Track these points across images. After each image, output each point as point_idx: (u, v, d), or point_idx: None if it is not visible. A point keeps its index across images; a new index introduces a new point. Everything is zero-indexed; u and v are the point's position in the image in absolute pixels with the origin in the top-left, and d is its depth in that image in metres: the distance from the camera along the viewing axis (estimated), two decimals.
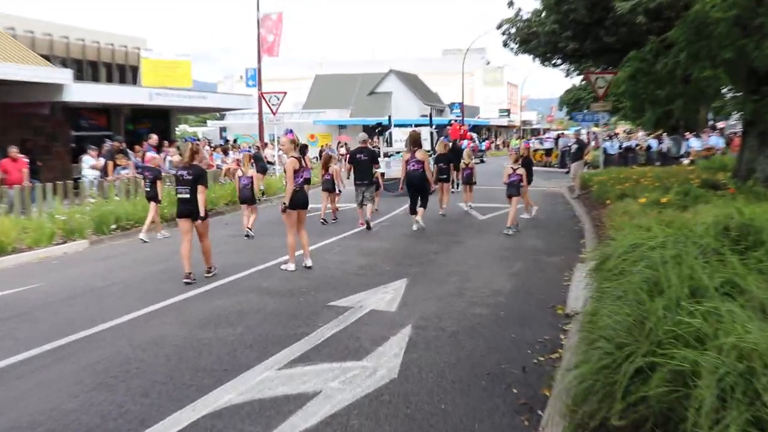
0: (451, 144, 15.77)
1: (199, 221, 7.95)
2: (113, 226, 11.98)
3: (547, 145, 32.61)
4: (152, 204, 11.75)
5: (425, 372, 4.86)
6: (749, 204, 7.11)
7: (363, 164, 12.72)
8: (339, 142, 39.89)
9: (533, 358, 5.12)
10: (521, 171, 11.79)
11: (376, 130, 20.38)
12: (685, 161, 23.39)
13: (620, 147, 26.27)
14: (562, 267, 8.39)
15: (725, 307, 3.56)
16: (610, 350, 3.58)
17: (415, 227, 11.72)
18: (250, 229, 11.51)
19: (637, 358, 3.36)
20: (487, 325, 5.96)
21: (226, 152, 21.29)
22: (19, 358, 5.40)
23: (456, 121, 35.35)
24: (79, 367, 5.15)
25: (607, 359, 3.52)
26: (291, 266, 8.40)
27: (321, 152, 36.33)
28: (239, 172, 12.27)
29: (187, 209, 8.00)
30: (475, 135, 40.81)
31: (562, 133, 32.68)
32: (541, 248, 9.92)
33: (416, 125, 26.16)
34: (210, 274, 8.17)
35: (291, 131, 8.65)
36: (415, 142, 11.96)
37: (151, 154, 13.38)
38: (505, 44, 19.34)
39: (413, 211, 11.90)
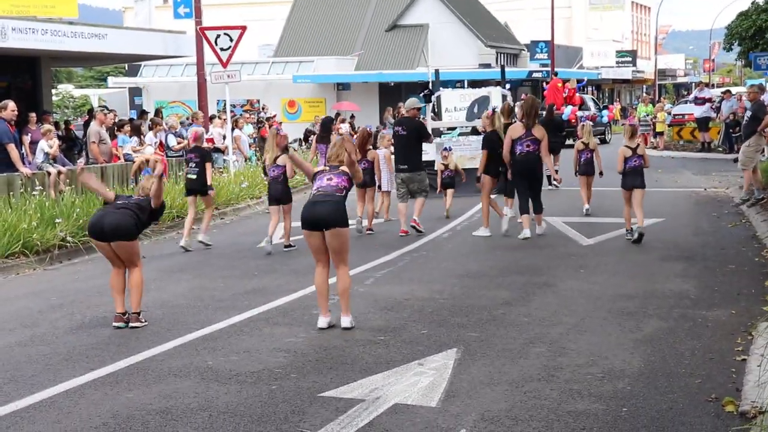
0: (544, 113, 16.83)
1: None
2: None
3: (702, 111, 32.44)
4: (192, 199, 14.61)
5: None
6: None
7: (402, 141, 14.86)
8: (337, 114, 40.12)
9: None
10: (643, 150, 13.49)
11: (422, 94, 21.31)
12: None
13: None
14: (730, 328, 8.34)
15: None
16: None
17: (522, 235, 13.74)
18: (291, 244, 13.69)
19: None
20: None
21: (138, 132, 21.43)
22: None
23: (555, 75, 35.38)
24: None
25: None
26: (322, 322, 8.82)
27: (307, 133, 36.08)
28: (266, 159, 14.02)
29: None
30: (588, 98, 40.71)
31: (728, 92, 32.45)
32: (692, 295, 9.89)
33: (473, 82, 26.48)
34: (137, 324, 9.02)
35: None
36: (533, 113, 13.88)
37: (197, 128, 15.96)
38: None
39: (526, 210, 13.91)
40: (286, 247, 13.59)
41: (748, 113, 18.07)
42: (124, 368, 7.66)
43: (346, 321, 8.71)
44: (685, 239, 13.68)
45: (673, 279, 10.76)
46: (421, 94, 20.97)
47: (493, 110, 15.63)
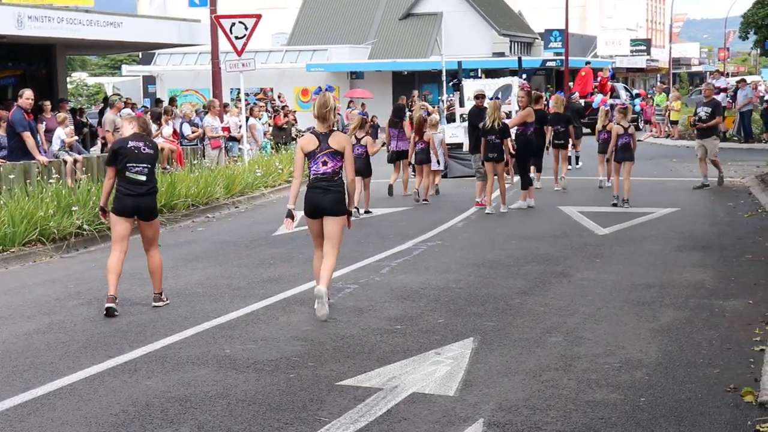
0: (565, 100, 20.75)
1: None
2: None
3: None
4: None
5: None
6: None
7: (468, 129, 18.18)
8: (349, 102, 40.17)
9: None
10: (633, 130, 16.03)
11: (451, 83, 24.04)
12: None
13: None
14: (748, 318, 8.32)
15: None
16: None
17: (516, 205, 16.14)
18: (367, 210, 16.17)
19: None
20: (616, 422, 5.93)
21: (158, 120, 21.47)
22: None
23: (587, 64, 35.79)
24: None
25: None
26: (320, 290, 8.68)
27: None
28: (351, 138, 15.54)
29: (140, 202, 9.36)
30: (620, 86, 40.78)
31: (743, 81, 32.34)
32: (709, 285, 9.87)
33: (487, 71, 29.56)
34: (161, 303, 9.46)
35: (330, 88, 9.08)
36: (536, 99, 17.65)
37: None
38: None
39: (528, 184, 16.48)
40: (365, 212, 16.05)
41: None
42: (143, 356, 7.70)
43: (319, 288, 8.64)
44: (702, 229, 13.65)
45: (689, 269, 10.73)
46: (450, 84, 22.89)
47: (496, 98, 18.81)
